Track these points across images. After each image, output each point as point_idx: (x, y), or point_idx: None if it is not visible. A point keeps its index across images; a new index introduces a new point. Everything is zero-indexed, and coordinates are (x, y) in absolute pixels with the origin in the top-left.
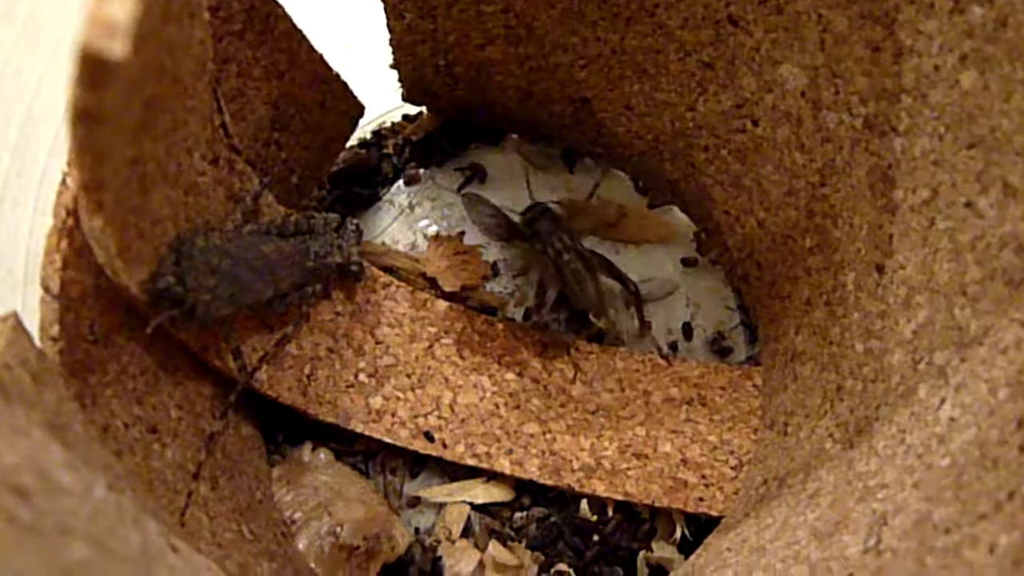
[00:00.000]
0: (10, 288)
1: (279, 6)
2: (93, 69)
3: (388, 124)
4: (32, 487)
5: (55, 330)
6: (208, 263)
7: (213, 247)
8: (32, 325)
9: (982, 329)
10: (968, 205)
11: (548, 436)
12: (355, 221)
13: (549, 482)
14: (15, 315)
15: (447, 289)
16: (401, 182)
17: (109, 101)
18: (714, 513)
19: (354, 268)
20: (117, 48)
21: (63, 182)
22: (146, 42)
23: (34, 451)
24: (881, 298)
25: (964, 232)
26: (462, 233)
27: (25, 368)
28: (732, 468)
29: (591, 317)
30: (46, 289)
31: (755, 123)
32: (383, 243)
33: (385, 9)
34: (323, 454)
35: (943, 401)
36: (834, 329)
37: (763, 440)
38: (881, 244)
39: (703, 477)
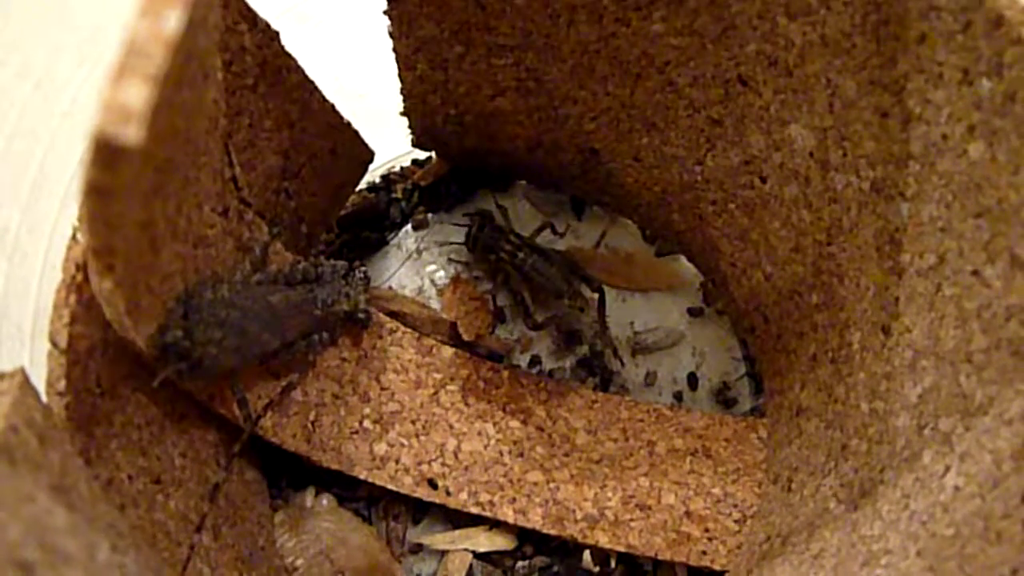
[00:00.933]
0: (18, 342)
1: (291, 59)
2: (106, 153)
3: (397, 169)
4: (36, 560)
5: (62, 385)
6: (216, 316)
7: (221, 299)
8: (39, 379)
9: (987, 398)
10: (975, 274)
11: (552, 485)
12: (363, 268)
13: (552, 532)
14: (22, 372)
15: (466, 338)
16: (409, 227)
17: (122, 178)
18: (717, 567)
19: (361, 316)
20: (132, 134)
21: (73, 237)
22: (160, 112)
23: (39, 518)
24: (887, 360)
25: (970, 300)
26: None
27: (31, 429)
28: (735, 522)
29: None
30: (54, 343)
31: (763, 180)
32: (390, 288)
33: (397, 60)
34: (326, 500)
35: (948, 469)
36: (839, 387)
37: (767, 495)
38: (887, 306)
39: (706, 530)
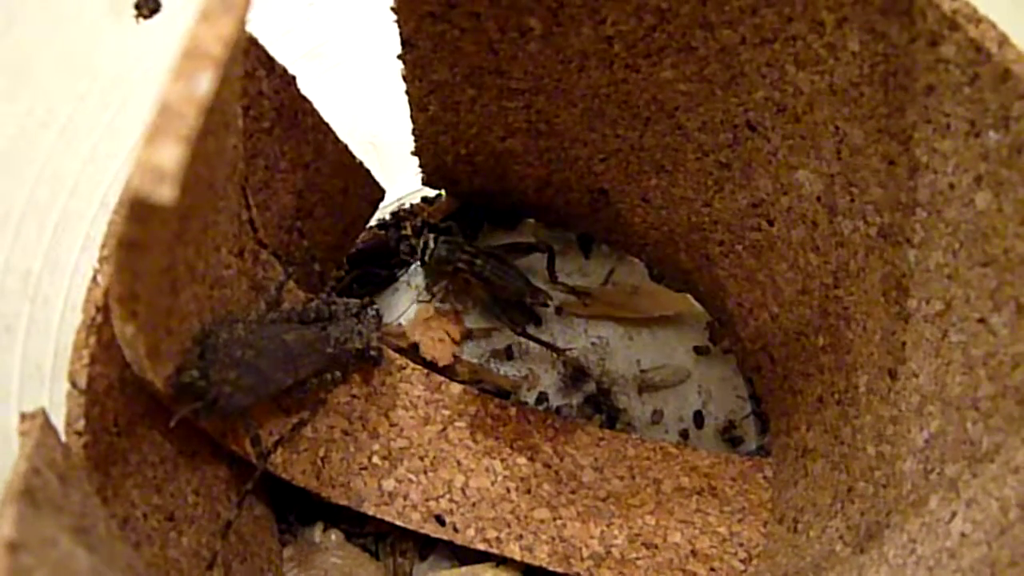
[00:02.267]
0: (38, 383)
1: (307, 102)
2: (141, 210)
3: (407, 206)
4: None
5: (81, 424)
6: (231, 356)
7: (236, 339)
8: (58, 419)
9: (994, 445)
10: (981, 321)
11: (558, 522)
12: (376, 307)
13: (559, 569)
14: (43, 412)
15: (441, 363)
16: (418, 263)
17: (153, 233)
18: None
19: (373, 354)
20: (166, 193)
21: (93, 279)
22: (190, 167)
23: (63, 562)
24: (893, 403)
25: (977, 347)
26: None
27: (53, 470)
28: (741, 561)
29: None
30: (73, 384)
31: (770, 223)
32: (400, 324)
33: (409, 102)
34: (334, 535)
35: (954, 515)
36: (846, 429)
37: (773, 535)
38: (894, 350)
39: (712, 569)
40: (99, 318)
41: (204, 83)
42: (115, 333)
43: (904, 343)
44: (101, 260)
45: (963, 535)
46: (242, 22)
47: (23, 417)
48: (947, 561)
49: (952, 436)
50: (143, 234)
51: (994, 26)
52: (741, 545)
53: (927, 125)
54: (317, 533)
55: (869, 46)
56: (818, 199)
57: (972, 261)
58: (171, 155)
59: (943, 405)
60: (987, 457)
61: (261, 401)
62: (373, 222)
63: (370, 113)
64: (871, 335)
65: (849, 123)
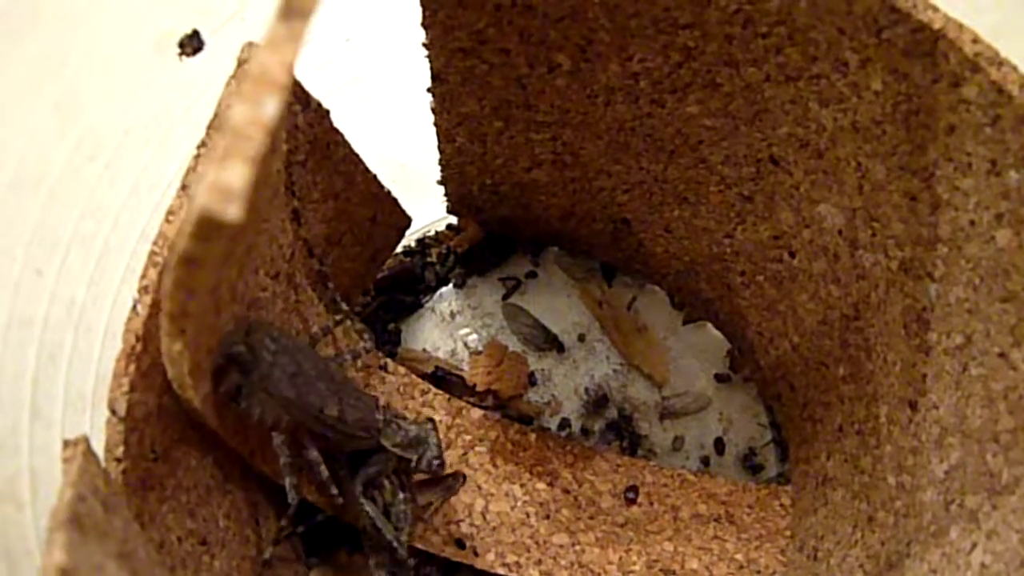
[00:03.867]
0: (79, 411)
1: (339, 134)
2: (207, 228)
3: (432, 233)
4: None
5: (120, 451)
6: (272, 339)
7: (279, 334)
8: (97, 445)
9: (1013, 478)
10: (1001, 356)
11: (577, 547)
12: (430, 421)
13: None
14: (85, 440)
15: (505, 396)
16: (444, 290)
17: (214, 251)
18: None
19: (436, 465)
20: (234, 212)
21: (133, 309)
22: (256, 189)
23: None
24: (914, 434)
25: (997, 381)
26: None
27: (96, 496)
28: None
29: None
30: (113, 411)
31: (792, 254)
32: (424, 350)
33: (437, 133)
34: (358, 558)
35: (975, 546)
36: (866, 459)
37: (793, 563)
38: (914, 382)
39: None
40: (138, 347)
41: (271, 107)
42: (161, 351)
43: (924, 375)
44: (141, 290)
45: (983, 566)
46: (300, 51)
47: (66, 444)
48: None
49: (972, 468)
50: (205, 252)
51: (1015, 69)
52: (758, 572)
53: (948, 163)
54: (342, 556)
55: (892, 86)
56: (840, 232)
57: (992, 297)
58: (239, 175)
59: (963, 437)
60: (1007, 489)
61: (303, 410)
62: (399, 249)
63: (398, 143)
64: (891, 367)
65: (871, 159)
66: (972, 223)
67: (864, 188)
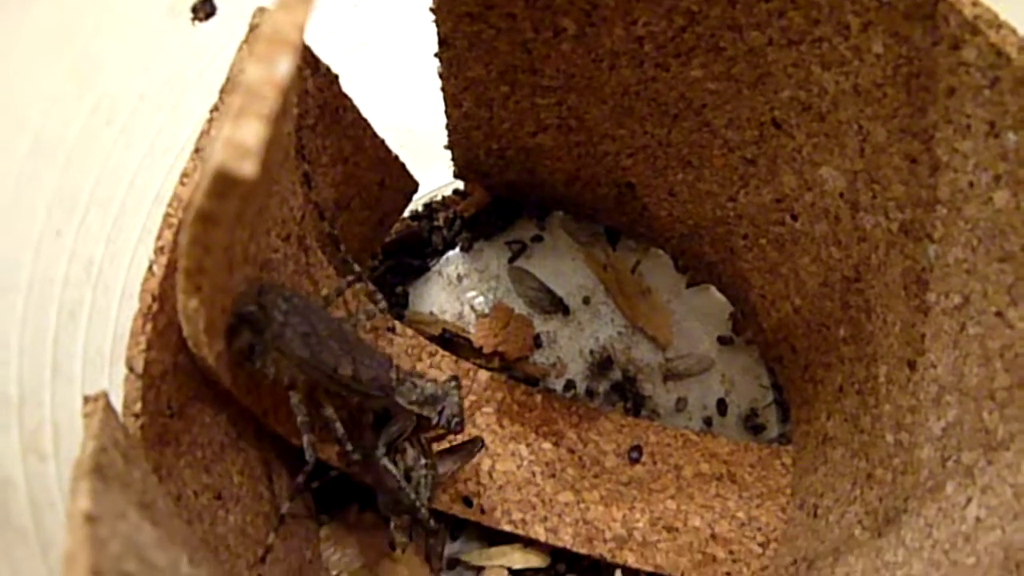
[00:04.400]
0: (98, 368)
1: (347, 99)
2: (222, 184)
3: (439, 198)
4: (135, 572)
5: (138, 407)
6: (284, 298)
7: (291, 294)
8: (116, 402)
9: (1009, 434)
10: (998, 315)
11: (582, 505)
12: (454, 379)
13: (582, 551)
14: (105, 395)
15: (511, 358)
16: (450, 253)
17: (229, 208)
18: None
19: (456, 423)
20: (248, 169)
21: (149, 269)
22: (270, 148)
23: (132, 534)
24: (912, 393)
25: (994, 340)
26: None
27: (117, 448)
28: (759, 545)
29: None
30: (130, 368)
31: (794, 217)
32: (431, 312)
33: (444, 98)
34: (368, 516)
35: (970, 500)
36: (865, 418)
37: (793, 520)
38: (913, 342)
39: (731, 552)
40: (155, 306)
41: (284, 66)
42: (177, 308)
43: (923, 335)
44: (156, 251)
45: (978, 519)
46: (311, 12)
47: (86, 399)
48: (962, 544)
49: (969, 425)
50: (220, 209)
51: (1014, 31)
52: (759, 529)
53: (948, 125)
54: (352, 513)
55: (893, 49)
56: (841, 195)
57: (990, 257)
58: (254, 132)
59: (960, 395)
60: (1002, 445)
61: (317, 369)
62: (406, 214)
63: (405, 109)
64: (891, 327)
65: (872, 122)
66: (971, 184)
67: (865, 151)
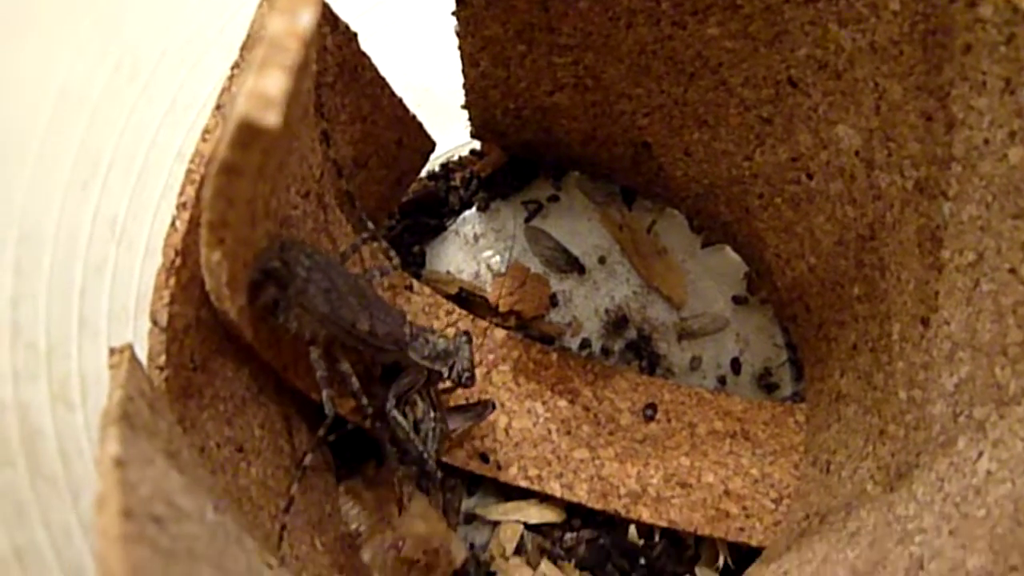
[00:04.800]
0: (123, 322)
1: (366, 57)
2: (246, 134)
3: (456, 158)
4: (165, 515)
5: (162, 360)
6: (306, 254)
7: (312, 250)
8: (140, 356)
9: (1020, 389)
10: (1011, 271)
11: (597, 462)
12: (465, 335)
13: (597, 506)
14: (130, 347)
15: (527, 316)
16: (467, 213)
17: (253, 159)
18: (753, 543)
19: (466, 378)
20: (272, 119)
21: (172, 224)
22: (292, 99)
23: (160, 479)
24: (925, 350)
25: (1007, 296)
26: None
27: (143, 399)
28: (772, 501)
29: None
30: (154, 322)
31: (809, 176)
32: (448, 272)
33: (461, 57)
34: (385, 471)
35: (981, 454)
36: (878, 375)
37: (806, 476)
38: (927, 299)
39: (744, 508)
40: (177, 261)
41: (306, 18)
42: (200, 263)
43: (937, 292)
44: (179, 207)
45: (989, 473)
46: None
47: (112, 351)
48: (973, 497)
49: (981, 380)
50: (244, 160)
51: None
52: (772, 486)
53: (964, 82)
54: (370, 469)
55: (909, 5)
56: (856, 153)
57: (1004, 214)
58: (277, 83)
59: (973, 351)
60: (1014, 400)
61: (336, 324)
62: (423, 173)
63: (422, 68)
64: (905, 285)
65: (888, 80)
66: (986, 141)
67: (881, 109)
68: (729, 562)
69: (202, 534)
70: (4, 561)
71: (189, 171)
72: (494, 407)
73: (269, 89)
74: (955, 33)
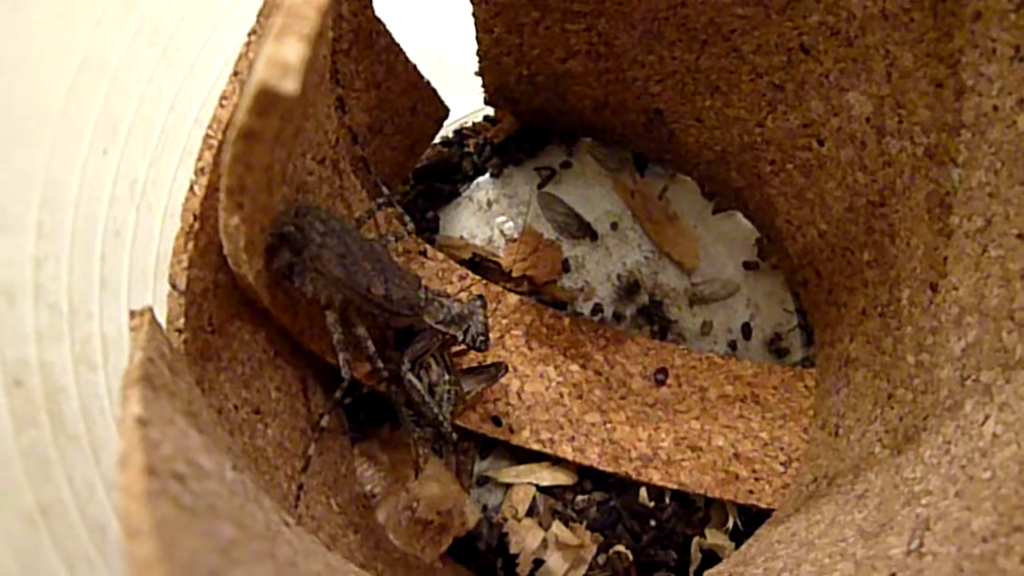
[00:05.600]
0: (142, 284)
1: (380, 23)
2: (265, 101)
3: (470, 124)
4: (186, 473)
5: (181, 322)
6: (321, 219)
7: (326, 213)
8: (160, 318)
9: None
10: (1020, 236)
11: (608, 426)
12: (480, 302)
13: (608, 469)
14: (150, 310)
15: (540, 281)
16: (480, 179)
17: (271, 125)
18: (763, 505)
19: (481, 341)
20: (290, 86)
21: (190, 189)
22: (310, 67)
23: (180, 439)
24: (934, 315)
25: (1015, 261)
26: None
27: (163, 360)
28: (781, 464)
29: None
30: (173, 285)
31: (820, 142)
32: (461, 237)
33: (475, 24)
34: (400, 433)
35: (987, 417)
36: (887, 340)
37: (815, 439)
38: (936, 264)
39: (754, 471)
40: (196, 225)
41: None
42: (219, 227)
43: (946, 258)
44: (197, 172)
45: (995, 435)
46: None
47: (132, 314)
48: (979, 459)
49: (988, 345)
50: (262, 125)
51: None
52: (782, 449)
53: (974, 49)
54: (384, 432)
55: None
56: (867, 120)
57: (1012, 180)
58: (295, 51)
59: (981, 316)
60: (1020, 364)
61: (351, 288)
62: (437, 140)
63: (436, 35)
64: (914, 250)
65: (899, 47)
66: (995, 108)
67: (892, 76)
68: (739, 524)
69: (222, 491)
70: (30, 517)
71: (207, 136)
72: (507, 369)
73: (288, 56)
74: (965, 0)
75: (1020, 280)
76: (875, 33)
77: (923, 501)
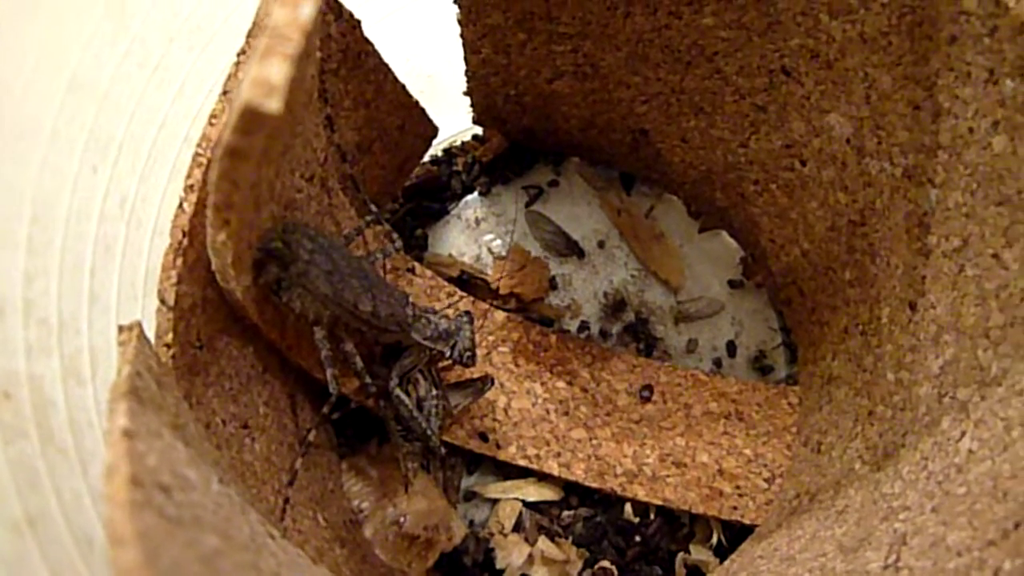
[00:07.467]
0: (132, 300)
1: (370, 44)
2: (249, 120)
3: (459, 143)
4: (171, 484)
5: (169, 337)
6: (308, 236)
7: (314, 231)
8: (149, 333)
9: (1002, 371)
10: (995, 256)
11: (594, 442)
12: (467, 317)
13: (594, 484)
14: (139, 324)
15: (527, 299)
16: (469, 197)
17: (256, 143)
18: (747, 521)
19: (467, 358)
20: (274, 105)
21: (180, 206)
22: (294, 87)
23: (166, 451)
24: (913, 333)
25: (990, 280)
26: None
27: (151, 374)
28: (765, 480)
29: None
30: (162, 301)
31: (803, 163)
32: (450, 255)
33: (463, 45)
34: (387, 448)
35: (963, 434)
36: (868, 358)
37: (797, 456)
38: (915, 283)
39: (737, 487)
40: (184, 242)
41: (307, 9)
42: (206, 243)
43: (924, 277)
44: (186, 189)
45: (970, 452)
46: None
47: (121, 329)
48: (955, 475)
49: (965, 363)
50: (248, 144)
51: None
52: (765, 466)
53: (950, 73)
54: (372, 447)
55: None
56: (848, 141)
57: (988, 200)
58: (279, 71)
59: (957, 334)
60: (995, 381)
61: (339, 304)
62: (426, 158)
63: (425, 55)
64: (894, 270)
65: (878, 69)
66: (971, 130)
67: (871, 98)
68: (723, 539)
69: (207, 503)
70: (17, 527)
71: (196, 154)
72: (493, 382)
73: (271, 76)
74: (940, 25)
75: (995, 299)
76: (854, 56)
77: (901, 516)
